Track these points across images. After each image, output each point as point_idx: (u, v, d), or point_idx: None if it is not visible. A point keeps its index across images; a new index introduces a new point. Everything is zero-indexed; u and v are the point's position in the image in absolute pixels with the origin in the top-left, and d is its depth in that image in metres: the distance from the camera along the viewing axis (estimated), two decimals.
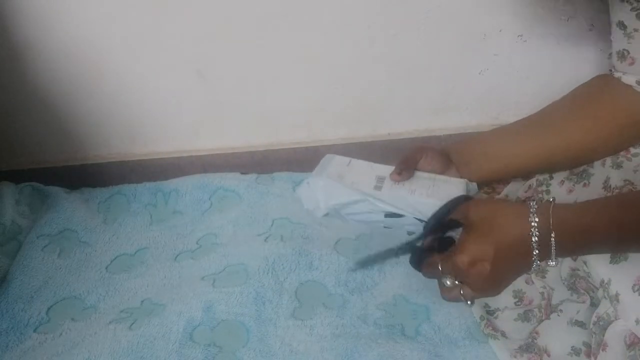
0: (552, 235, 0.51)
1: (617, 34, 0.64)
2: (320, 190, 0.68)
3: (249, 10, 0.76)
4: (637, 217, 0.51)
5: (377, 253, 0.66)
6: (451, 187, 0.67)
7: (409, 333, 0.64)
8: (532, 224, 0.51)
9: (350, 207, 0.68)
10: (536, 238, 0.51)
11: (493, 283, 0.54)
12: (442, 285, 0.58)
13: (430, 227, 0.62)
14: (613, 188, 0.64)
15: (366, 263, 0.69)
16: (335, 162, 0.72)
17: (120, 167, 0.90)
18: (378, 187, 0.67)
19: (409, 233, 0.71)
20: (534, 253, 0.52)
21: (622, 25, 0.62)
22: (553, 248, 0.51)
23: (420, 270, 0.60)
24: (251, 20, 0.77)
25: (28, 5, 0.73)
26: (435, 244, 0.61)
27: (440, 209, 0.62)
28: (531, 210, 0.52)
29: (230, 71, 0.82)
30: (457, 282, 0.56)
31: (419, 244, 0.62)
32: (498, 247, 0.52)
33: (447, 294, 0.58)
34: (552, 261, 0.52)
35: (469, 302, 0.57)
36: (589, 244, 0.53)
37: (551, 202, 0.53)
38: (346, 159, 0.72)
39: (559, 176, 0.72)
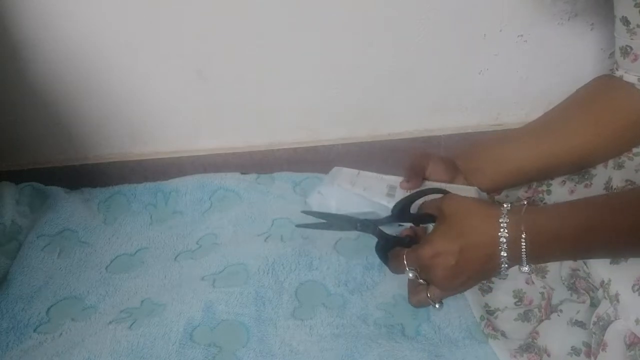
0: (523, 236, 0.50)
1: (620, 30, 0.63)
2: (333, 199, 0.68)
3: (249, 10, 0.76)
4: (607, 220, 0.50)
5: (337, 216, 0.65)
6: (463, 193, 0.67)
7: (409, 333, 0.64)
8: (502, 224, 0.51)
9: (362, 216, 0.67)
10: (504, 239, 0.51)
11: (456, 278, 0.54)
12: (410, 285, 0.59)
13: (399, 209, 0.62)
14: (614, 189, 0.64)
15: (319, 227, 0.67)
16: (344, 173, 0.72)
17: (120, 167, 0.90)
18: (390, 195, 0.67)
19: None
20: (502, 255, 0.51)
21: (625, 20, 0.62)
22: (523, 251, 0.51)
23: (385, 261, 0.60)
24: (251, 20, 0.77)
25: (28, 6, 0.73)
26: (407, 240, 0.61)
27: (412, 193, 0.62)
28: (503, 211, 0.52)
29: (230, 71, 0.82)
30: (421, 281, 0.57)
31: (384, 226, 0.62)
32: (464, 243, 0.52)
33: (414, 298, 0.59)
34: (523, 266, 0.52)
35: (436, 305, 0.57)
36: (560, 249, 0.52)
37: (524, 204, 0.53)
38: (354, 171, 0.73)
39: (560, 177, 0.72)
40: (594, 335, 0.56)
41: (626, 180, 0.64)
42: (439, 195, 0.62)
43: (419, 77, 0.85)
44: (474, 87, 0.87)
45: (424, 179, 0.69)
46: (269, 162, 0.90)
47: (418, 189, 0.64)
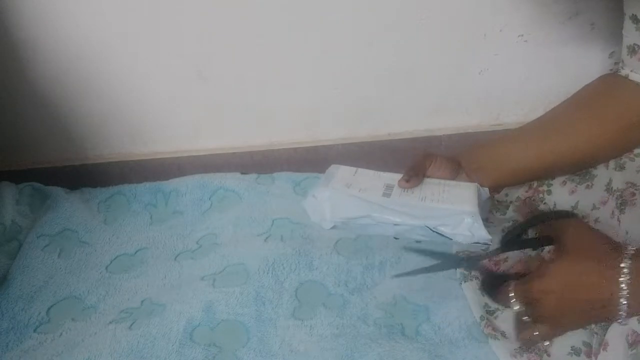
0: None
1: (629, 28, 0.63)
2: (327, 203, 0.67)
3: (249, 10, 0.76)
4: None
5: (439, 255, 0.62)
6: (462, 192, 0.66)
7: (409, 333, 0.64)
8: (625, 269, 0.48)
9: (359, 219, 0.66)
10: (625, 285, 0.47)
11: (564, 318, 0.51)
12: (517, 320, 0.55)
13: (508, 240, 0.59)
14: (615, 190, 0.64)
15: (420, 272, 0.65)
16: (341, 172, 0.71)
17: (120, 167, 0.90)
18: (387, 195, 0.66)
19: (417, 242, 0.69)
20: (621, 302, 0.48)
21: (635, 19, 0.61)
22: None
23: (493, 297, 0.57)
24: (251, 20, 0.77)
25: (28, 5, 0.73)
26: (515, 276, 0.57)
27: (522, 223, 0.58)
28: (627, 253, 0.48)
29: (230, 71, 0.82)
30: (525, 318, 0.53)
31: (485, 260, 0.58)
32: (578, 284, 0.49)
33: (520, 335, 0.55)
34: None
35: (546, 343, 0.54)
36: None
37: None
38: (352, 169, 0.71)
39: (561, 177, 0.72)
40: (595, 335, 0.56)
41: (627, 182, 0.64)
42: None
43: (419, 77, 0.85)
44: (474, 87, 0.87)
45: (425, 176, 0.68)
46: (269, 162, 0.90)
47: (529, 218, 0.61)
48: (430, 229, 0.61)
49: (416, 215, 0.63)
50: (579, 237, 0.53)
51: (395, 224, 0.64)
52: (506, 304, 0.56)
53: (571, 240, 0.53)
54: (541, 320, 0.54)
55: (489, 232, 0.60)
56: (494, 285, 0.57)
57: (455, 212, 0.61)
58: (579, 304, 0.51)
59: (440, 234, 0.61)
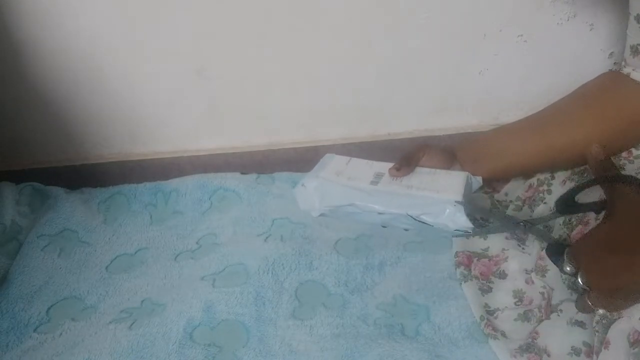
0: None
1: (633, 28, 0.63)
2: (315, 192, 0.67)
3: (249, 10, 0.76)
4: None
5: (493, 226, 0.61)
6: (450, 180, 0.65)
7: (409, 333, 0.64)
8: None
9: (345, 207, 0.67)
10: None
11: (606, 280, 0.51)
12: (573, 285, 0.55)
13: (561, 203, 0.58)
14: None
15: (478, 232, 0.63)
16: (334, 161, 0.71)
17: (120, 167, 0.90)
18: (374, 183, 0.66)
19: (405, 230, 0.70)
20: None
21: None
22: None
23: (557, 262, 0.56)
24: (251, 20, 0.77)
25: (28, 4, 0.73)
26: None
27: (577, 186, 0.58)
28: None
29: (230, 71, 0.82)
30: (580, 282, 0.52)
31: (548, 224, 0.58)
32: (612, 248, 0.49)
33: (578, 300, 0.55)
34: None
35: (600, 311, 0.54)
36: None
37: None
38: (346, 158, 0.71)
39: (561, 176, 0.72)
40: (596, 334, 0.56)
41: None
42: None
43: (419, 77, 0.85)
44: (474, 87, 0.87)
45: (418, 166, 0.68)
46: (269, 162, 0.90)
47: (587, 180, 0.60)
48: (413, 218, 0.62)
49: (400, 204, 0.63)
50: (629, 203, 0.52)
51: (379, 213, 0.64)
52: (563, 269, 0.55)
53: (619, 206, 0.52)
54: (587, 284, 0.52)
55: (489, 230, 0.61)
56: (559, 251, 0.56)
57: (438, 201, 0.61)
58: (615, 269, 0.50)
59: (423, 222, 0.61)
